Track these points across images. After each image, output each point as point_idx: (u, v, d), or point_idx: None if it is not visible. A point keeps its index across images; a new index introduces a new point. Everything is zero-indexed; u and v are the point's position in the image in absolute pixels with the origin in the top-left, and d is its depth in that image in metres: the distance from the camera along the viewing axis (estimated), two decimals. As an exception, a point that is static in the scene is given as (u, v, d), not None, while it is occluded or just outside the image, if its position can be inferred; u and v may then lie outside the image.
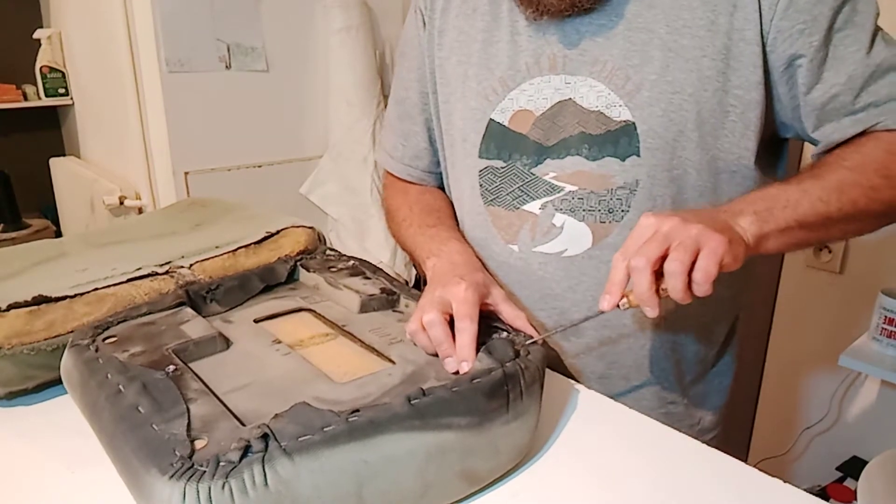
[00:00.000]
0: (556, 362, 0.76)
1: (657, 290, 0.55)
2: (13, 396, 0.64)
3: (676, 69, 0.66)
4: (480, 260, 0.78)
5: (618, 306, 0.57)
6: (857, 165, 0.64)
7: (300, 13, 1.83)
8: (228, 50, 1.72)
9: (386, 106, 1.96)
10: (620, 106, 0.68)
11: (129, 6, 1.63)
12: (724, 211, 0.61)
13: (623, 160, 0.68)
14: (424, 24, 0.81)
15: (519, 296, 0.76)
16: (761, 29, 0.65)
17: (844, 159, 0.66)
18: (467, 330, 0.57)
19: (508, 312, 0.63)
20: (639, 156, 0.68)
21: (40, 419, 0.62)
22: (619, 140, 0.68)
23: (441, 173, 0.88)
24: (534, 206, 0.73)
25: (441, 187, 0.90)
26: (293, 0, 1.80)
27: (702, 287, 0.54)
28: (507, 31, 0.74)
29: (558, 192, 0.71)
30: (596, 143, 0.69)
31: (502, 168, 0.74)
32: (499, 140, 0.74)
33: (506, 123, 0.74)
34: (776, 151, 0.75)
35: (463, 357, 0.56)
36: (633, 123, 0.68)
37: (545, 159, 0.72)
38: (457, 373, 0.55)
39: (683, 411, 0.78)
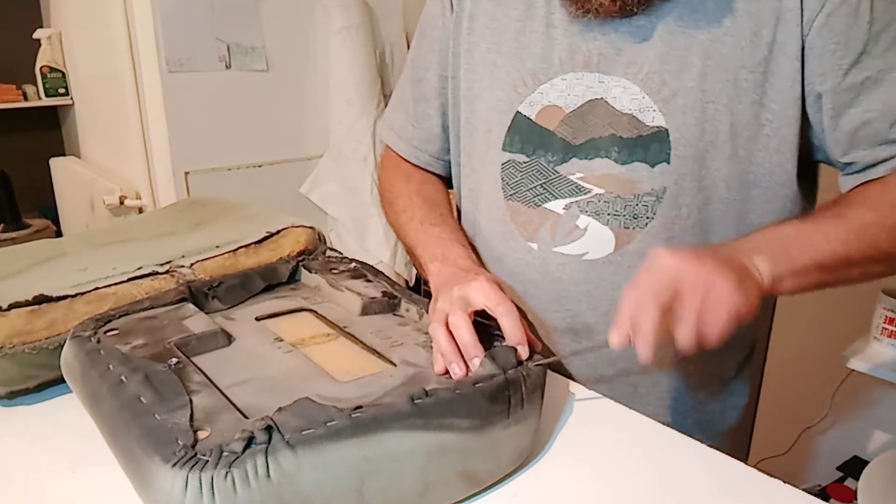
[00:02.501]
0: (562, 361, 0.75)
1: (662, 332, 0.53)
2: (14, 396, 0.64)
3: (714, 78, 0.65)
4: (495, 257, 0.77)
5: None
6: (881, 205, 0.63)
7: (300, 13, 1.83)
8: (228, 50, 1.72)
9: (386, 106, 1.97)
10: (654, 111, 0.67)
11: (129, 6, 1.63)
12: (741, 250, 0.59)
13: (652, 166, 0.67)
14: (452, 6, 0.78)
15: (533, 295, 0.74)
16: (802, 44, 0.64)
17: (867, 197, 0.64)
18: (511, 312, 0.58)
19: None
20: (669, 163, 0.67)
21: (41, 419, 0.62)
22: (650, 146, 0.67)
23: (448, 160, 0.86)
24: (556, 205, 0.71)
25: (445, 175, 0.88)
26: (293, 0, 1.80)
27: (711, 336, 0.53)
28: (542, 23, 0.72)
29: (584, 194, 0.70)
30: (626, 147, 0.68)
31: (525, 163, 0.73)
32: (524, 134, 0.73)
33: (532, 118, 0.72)
34: (811, 173, 0.73)
35: (517, 341, 0.56)
36: (666, 130, 0.66)
37: (571, 158, 0.70)
38: (455, 376, 0.55)
39: (692, 425, 0.76)
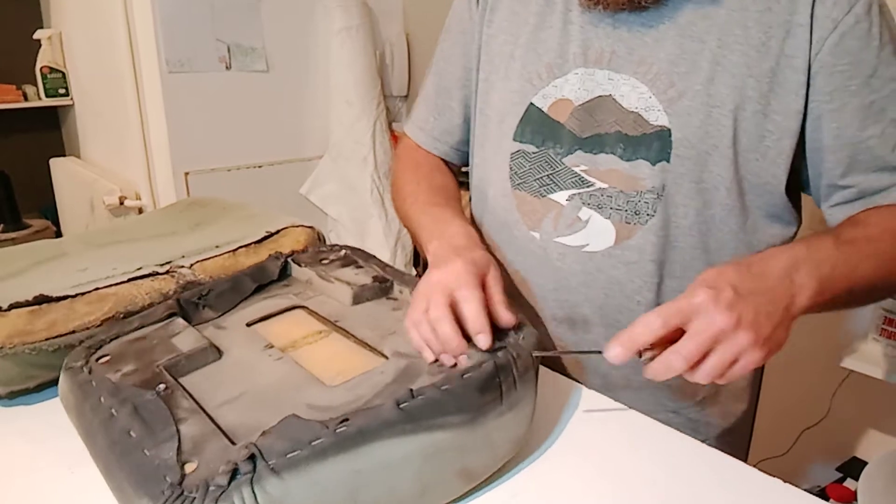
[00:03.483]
0: (558, 357, 0.76)
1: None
2: (14, 396, 0.64)
3: (721, 84, 0.66)
4: (500, 245, 0.78)
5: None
6: None
7: (300, 13, 1.83)
8: (228, 50, 1.72)
9: (386, 106, 1.97)
10: (659, 110, 0.68)
11: (129, 6, 1.64)
12: (785, 278, 0.56)
13: (653, 164, 0.68)
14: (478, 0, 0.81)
15: (534, 283, 0.76)
16: (809, 59, 0.64)
17: (891, 223, 0.65)
18: (472, 299, 0.55)
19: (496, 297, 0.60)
20: (669, 162, 0.68)
21: (41, 419, 0.62)
22: (652, 144, 0.68)
23: (466, 151, 0.88)
24: (560, 196, 0.73)
25: (461, 164, 0.90)
26: (293, 0, 1.81)
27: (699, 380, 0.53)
28: (560, 18, 0.74)
29: (588, 187, 0.71)
30: (631, 144, 0.69)
31: (534, 153, 0.74)
32: (535, 125, 0.74)
33: (545, 110, 0.74)
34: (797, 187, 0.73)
35: (478, 329, 0.54)
36: (669, 130, 0.67)
37: (577, 150, 0.72)
38: (445, 365, 0.55)
39: (685, 423, 0.77)
